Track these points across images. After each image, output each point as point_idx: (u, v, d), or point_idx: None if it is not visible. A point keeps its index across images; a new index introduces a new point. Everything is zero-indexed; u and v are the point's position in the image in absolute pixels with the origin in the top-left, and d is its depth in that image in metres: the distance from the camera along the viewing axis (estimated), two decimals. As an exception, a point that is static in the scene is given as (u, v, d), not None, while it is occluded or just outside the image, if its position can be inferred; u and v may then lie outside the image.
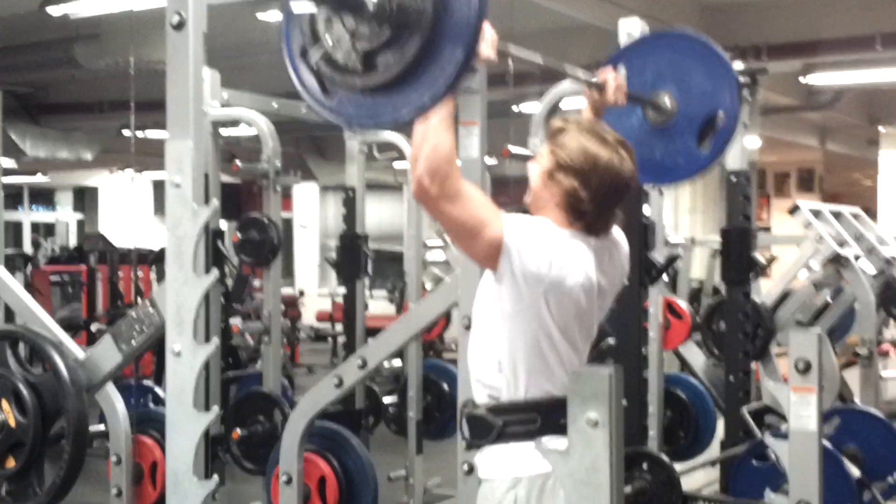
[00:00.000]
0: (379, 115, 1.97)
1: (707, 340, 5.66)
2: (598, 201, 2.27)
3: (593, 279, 2.29)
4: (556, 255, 2.22)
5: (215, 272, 2.47)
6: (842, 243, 5.57)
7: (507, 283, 2.20)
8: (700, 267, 9.13)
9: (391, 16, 1.89)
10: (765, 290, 5.69)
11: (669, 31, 3.25)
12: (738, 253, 4.69)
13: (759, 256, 4.87)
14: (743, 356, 4.69)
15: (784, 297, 5.62)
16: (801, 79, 9.13)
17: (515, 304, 2.22)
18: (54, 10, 6.73)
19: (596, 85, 2.65)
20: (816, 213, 5.63)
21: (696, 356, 5.54)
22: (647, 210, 4.11)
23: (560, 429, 2.23)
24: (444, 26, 1.88)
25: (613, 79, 2.63)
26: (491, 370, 2.29)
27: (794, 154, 13.62)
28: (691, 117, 2.87)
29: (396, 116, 1.95)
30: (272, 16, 7.24)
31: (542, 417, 2.25)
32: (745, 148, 4.69)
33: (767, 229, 13.38)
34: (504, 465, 2.28)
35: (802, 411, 2.74)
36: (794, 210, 5.57)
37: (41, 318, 3.24)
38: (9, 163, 11.04)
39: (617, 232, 2.43)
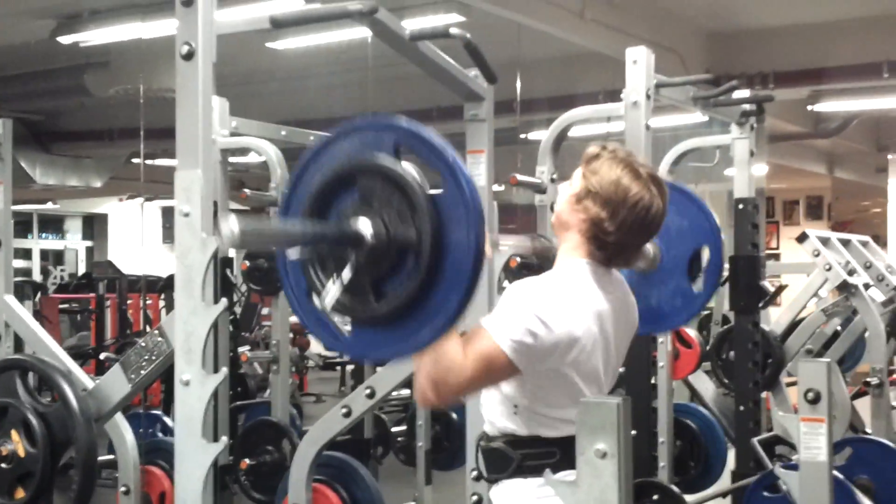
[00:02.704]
0: (394, 348, 1.93)
1: (717, 369, 5.64)
2: (623, 234, 2.22)
3: (607, 315, 2.24)
4: (564, 316, 2.15)
5: (224, 301, 2.46)
6: (851, 272, 5.55)
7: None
8: (709, 295, 9.08)
9: (390, 247, 1.85)
10: (774, 319, 5.67)
11: None
12: (747, 281, 4.67)
13: (768, 285, 4.85)
14: (753, 386, 4.67)
15: (793, 325, 5.61)
16: (808, 106, 9.16)
17: (539, 367, 2.18)
18: (65, 39, 6.79)
19: None
20: (825, 241, 5.62)
21: (705, 385, 5.51)
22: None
23: None
24: (445, 251, 1.83)
25: None
26: (505, 414, 2.25)
27: (802, 181, 13.62)
28: (677, 258, 2.90)
29: (413, 344, 1.91)
30: (281, 44, 7.29)
31: (561, 452, 2.19)
32: (752, 175, 4.69)
33: (777, 257, 13.37)
34: (521, 499, 2.24)
35: (812, 442, 2.73)
36: (802, 238, 5.56)
37: (50, 348, 3.24)
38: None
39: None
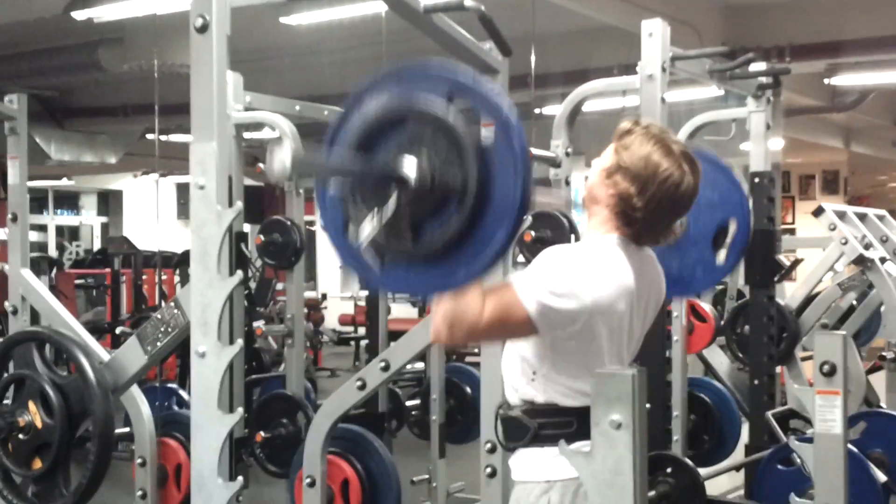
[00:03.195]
0: (427, 285, 1.98)
1: (731, 344, 5.63)
2: (651, 211, 2.21)
3: (633, 289, 2.24)
4: (592, 285, 2.15)
5: (240, 274, 2.47)
6: (867, 245, 5.52)
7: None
8: (723, 269, 9.07)
9: (434, 190, 1.87)
10: (789, 293, 5.66)
11: None
12: (762, 255, 4.66)
13: (784, 259, 4.84)
14: (767, 360, 4.66)
15: (809, 299, 5.59)
16: (825, 80, 9.09)
17: (559, 334, 2.18)
18: (79, 14, 6.77)
19: None
20: (841, 215, 5.59)
21: (720, 359, 5.51)
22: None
23: None
24: (488, 201, 1.86)
25: None
26: (524, 379, 2.26)
27: (818, 155, 13.54)
28: (703, 229, 2.90)
29: (447, 284, 1.94)
30: (295, 19, 7.27)
31: (578, 422, 2.19)
32: (768, 149, 4.66)
33: (792, 231, 13.32)
34: (538, 467, 2.25)
35: (827, 415, 2.73)
36: (818, 212, 5.54)
37: (67, 321, 3.26)
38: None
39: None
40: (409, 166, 1.87)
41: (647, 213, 2.21)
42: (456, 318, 2.06)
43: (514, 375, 2.29)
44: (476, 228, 1.86)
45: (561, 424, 2.21)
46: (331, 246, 2.02)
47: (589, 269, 2.17)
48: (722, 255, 2.90)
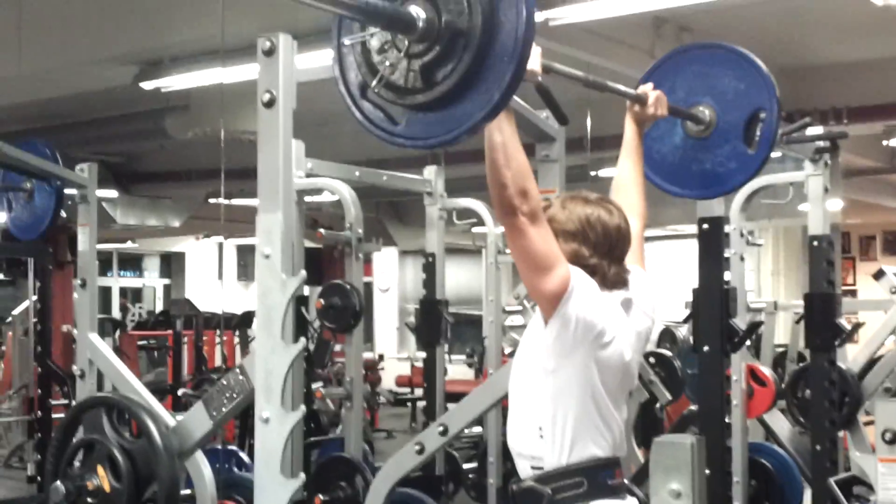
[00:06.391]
0: (450, 128, 2.00)
1: (792, 408, 5.56)
2: (601, 253, 2.37)
3: (629, 333, 2.37)
4: (604, 305, 2.30)
5: (303, 341, 2.53)
6: (929, 309, 5.46)
7: (558, 329, 2.26)
8: (784, 332, 8.97)
9: (441, 32, 1.94)
10: (851, 357, 5.58)
11: (688, 45, 3.29)
12: (822, 319, 4.62)
13: (845, 322, 4.78)
14: (829, 425, 4.60)
15: (871, 363, 5.51)
16: (883, 141, 9.03)
17: (561, 359, 2.27)
18: (147, 85, 6.97)
19: (637, 98, 2.72)
20: (903, 278, 5.54)
21: (781, 424, 5.43)
22: (727, 275, 4.09)
23: (609, 490, 2.27)
24: (495, 40, 1.92)
25: (653, 90, 2.72)
26: (532, 439, 2.32)
27: (879, 216, 13.37)
28: (733, 122, 2.92)
29: (470, 123, 1.98)
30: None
31: (588, 480, 2.27)
32: (827, 212, 4.64)
33: (853, 293, 13.12)
34: None
35: (890, 483, 2.70)
36: (879, 275, 5.49)
37: (134, 385, 3.34)
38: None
39: (636, 276, 2.48)
40: (416, 8, 1.94)
41: (599, 257, 2.36)
42: (528, 189, 2.15)
43: (522, 439, 2.36)
44: (485, 66, 1.92)
45: (573, 486, 2.27)
46: (350, 110, 2.11)
47: (604, 299, 2.32)
48: (755, 146, 2.89)
